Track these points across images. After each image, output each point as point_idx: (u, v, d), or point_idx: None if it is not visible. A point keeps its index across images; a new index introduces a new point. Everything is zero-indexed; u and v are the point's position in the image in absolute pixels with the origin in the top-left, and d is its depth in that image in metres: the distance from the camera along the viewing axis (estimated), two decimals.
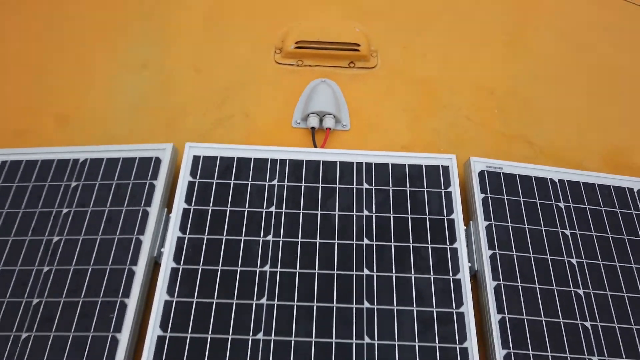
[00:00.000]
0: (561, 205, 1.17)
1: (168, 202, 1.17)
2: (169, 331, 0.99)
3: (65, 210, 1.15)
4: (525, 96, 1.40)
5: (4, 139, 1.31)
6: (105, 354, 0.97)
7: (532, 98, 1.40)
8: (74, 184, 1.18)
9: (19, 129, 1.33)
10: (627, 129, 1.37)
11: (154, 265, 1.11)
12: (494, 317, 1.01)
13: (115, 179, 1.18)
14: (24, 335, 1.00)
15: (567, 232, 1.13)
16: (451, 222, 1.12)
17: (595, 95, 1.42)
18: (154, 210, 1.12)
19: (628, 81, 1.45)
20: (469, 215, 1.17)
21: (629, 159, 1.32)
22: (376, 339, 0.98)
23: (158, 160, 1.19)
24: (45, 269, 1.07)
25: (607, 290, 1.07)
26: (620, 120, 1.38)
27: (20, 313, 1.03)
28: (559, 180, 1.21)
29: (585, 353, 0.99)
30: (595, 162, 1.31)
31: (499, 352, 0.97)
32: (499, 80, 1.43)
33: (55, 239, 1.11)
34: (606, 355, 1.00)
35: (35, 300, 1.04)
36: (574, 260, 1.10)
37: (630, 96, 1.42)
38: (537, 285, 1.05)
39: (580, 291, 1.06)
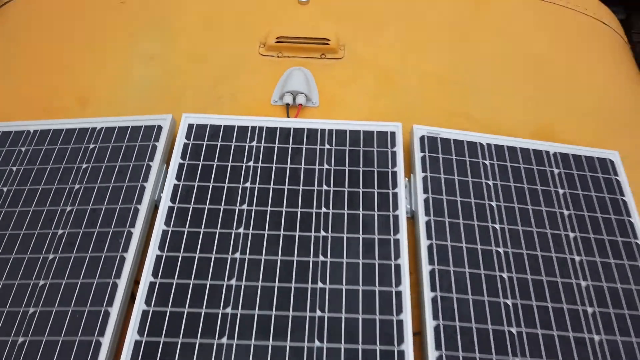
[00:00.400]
0: (487, 162, 1.43)
1: (167, 159, 1.44)
2: (165, 251, 1.25)
3: (84, 166, 1.42)
4: (467, 82, 1.67)
5: (36, 116, 1.60)
6: (115, 268, 1.23)
7: (474, 84, 1.67)
8: (91, 146, 1.46)
9: (48, 108, 1.62)
10: (552, 108, 1.64)
11: (154, 208, 1.37)
12: (424, 243, 1.26)
13: (125, 142, 1.46)
14: (51, 256, 1.27)
15: (490, 182, 1.39)
16: (394, 173, 1.38)
17: (527, 83, 1.69)
18: (155, 164, 1.40)
19: (554, 71, 1.73)
20: (410, 170, 1.43)
21: (552, 133, 1.59)
22: (329, 257, 1.24)
23: (160, 127, 1.47)
24: (68, 208, 1.34)
25: (519, 225, 1.32)
26: (547, 102, 1.65)
27: (47, 241, 1.29)
28: (487, 144, 1.47)
29: (497, 270, 1.24)
30: (525, 134, 1.57)
31: (426, 267, 1.22)
32: (445, 69, 1.70)
33: (76, 186, 1.38)
34: (514, 273, 1.24)
35: (60, 231, 1.31)
36: (493, 203, 1.35)
37: (556, 83, 1.70)
38: (461, 221, 1.31)
39: (497, 226, 1.32)
